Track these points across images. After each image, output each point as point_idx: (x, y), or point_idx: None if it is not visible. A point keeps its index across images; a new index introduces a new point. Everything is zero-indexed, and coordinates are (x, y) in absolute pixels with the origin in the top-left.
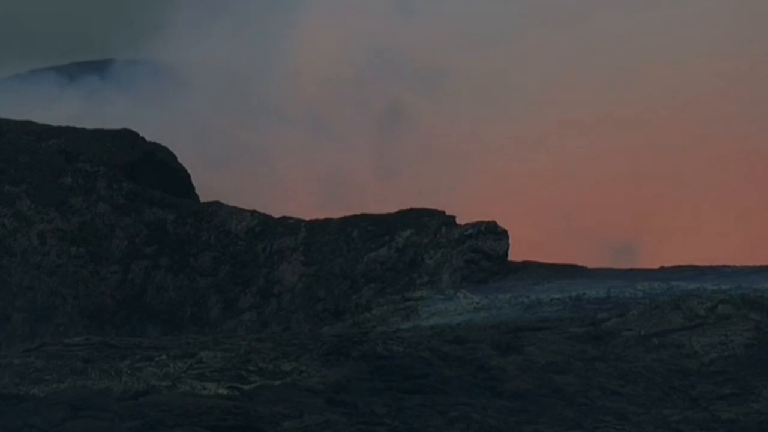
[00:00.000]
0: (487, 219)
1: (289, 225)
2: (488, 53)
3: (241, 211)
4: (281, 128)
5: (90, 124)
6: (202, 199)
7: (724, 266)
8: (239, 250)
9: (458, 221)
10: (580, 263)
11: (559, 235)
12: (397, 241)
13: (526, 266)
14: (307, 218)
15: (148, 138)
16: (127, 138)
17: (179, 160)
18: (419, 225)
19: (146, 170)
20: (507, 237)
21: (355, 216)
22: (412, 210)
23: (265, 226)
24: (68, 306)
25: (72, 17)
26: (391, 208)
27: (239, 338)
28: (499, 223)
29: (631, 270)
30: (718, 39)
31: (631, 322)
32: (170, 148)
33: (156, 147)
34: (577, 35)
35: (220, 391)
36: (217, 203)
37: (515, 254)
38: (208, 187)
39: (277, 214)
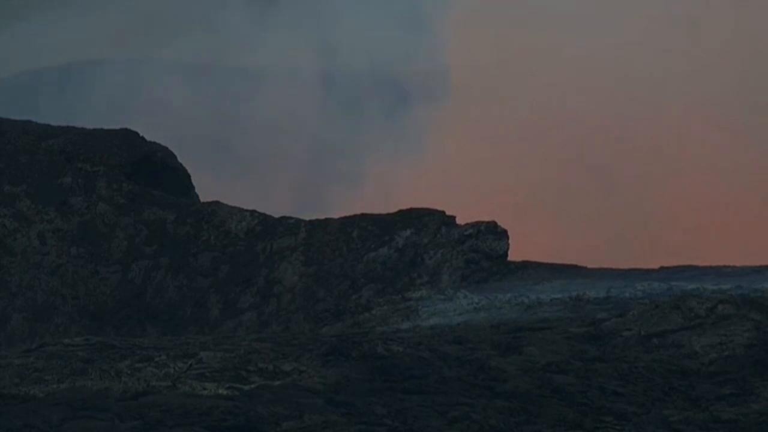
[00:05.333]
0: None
1: (289, 225)
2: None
3: (241, 211)
4: None
5: (90, 124)
6: (202, 199)
7: (724, 266)
8: (239, 250)
9: (458, 221)
10: (580, 263)
11: (559, 236)
12: (397, 241)
13: (526, 266)
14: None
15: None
16: (127, 138)
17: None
18: (419, 225)
19: (146, 170)
20: (507, 237)
21: (355, 216)
22: (412, 210)
23: (265, 226)
24: (68, 306)
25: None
26: (390, 208)
27: (239, 338)
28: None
29: (631, 270)
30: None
31: (631, 322)
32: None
33: (156, 147)
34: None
35: (220, 391)
36: (217, 203)
37: (515, 254)
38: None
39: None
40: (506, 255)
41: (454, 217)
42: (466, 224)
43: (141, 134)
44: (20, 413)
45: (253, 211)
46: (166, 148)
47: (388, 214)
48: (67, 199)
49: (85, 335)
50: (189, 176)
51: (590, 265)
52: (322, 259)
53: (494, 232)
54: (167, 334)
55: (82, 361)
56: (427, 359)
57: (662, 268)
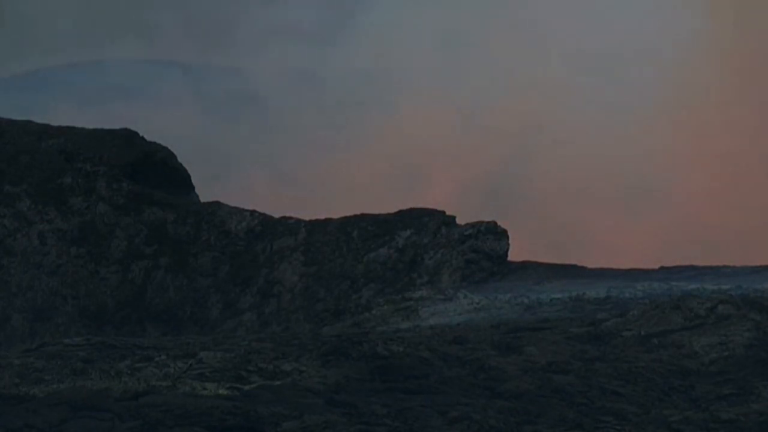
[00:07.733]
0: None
1: (289, 225)
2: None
3: (241, 211)
4: None
5: (89, 124)
6: (202, 199)
7: (724, 266)
8: (239, 250)
9: (458, 221)
10: (580, 263)
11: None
12: (397, 241)
13: (526, 266)
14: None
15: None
16: (127, 138)
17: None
18: (419, 225)
19: (146, 170)
20: (507, 237)
21: (355, 216)
22: (412, 210)
23: (265, 226)
24: (68, 306)
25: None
26: (391, 208)
27: (239, 338)
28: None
29: (631, 270)
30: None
31: (631, 322)
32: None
33: (156, 147)
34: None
35: (220, 391)
36: (217, 203)
37: (515, 254)
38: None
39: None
40: (506, 255)
41: (454, 217)
42: (466, 224)
43: (141, 134)
44: (20, 413)
45: (253, 211)
46: (166, 148)
47: (388, 214)
48: (67, 199)
49: (85, 335)
50: (189, 176)
51: (590, 266)
52: (322, 259)
53: (494, 232)
54: (167, 334)
55: (82, 361)
56: (427, 359)
57: (662, 268)
